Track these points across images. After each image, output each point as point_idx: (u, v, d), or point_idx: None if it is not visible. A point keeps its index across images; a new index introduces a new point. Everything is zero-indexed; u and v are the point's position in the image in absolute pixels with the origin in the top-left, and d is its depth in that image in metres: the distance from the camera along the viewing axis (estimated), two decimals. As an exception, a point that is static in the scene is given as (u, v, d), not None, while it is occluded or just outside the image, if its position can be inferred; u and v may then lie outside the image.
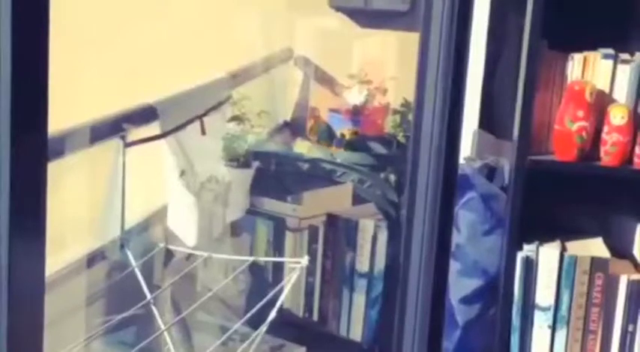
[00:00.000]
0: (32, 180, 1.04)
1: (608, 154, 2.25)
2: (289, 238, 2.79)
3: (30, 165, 1.04)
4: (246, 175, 2.87)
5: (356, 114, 3.14)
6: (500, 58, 2.56)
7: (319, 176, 2.96)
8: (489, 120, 2.61)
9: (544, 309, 2.30)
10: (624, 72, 2.26)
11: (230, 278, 2.73)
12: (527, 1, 2.22)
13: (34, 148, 1.04)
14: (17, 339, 1.03)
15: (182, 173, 2.65)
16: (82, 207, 2.71)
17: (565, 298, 2.29)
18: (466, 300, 2.42)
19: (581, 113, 2.23)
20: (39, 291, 1.07)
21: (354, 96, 3.13)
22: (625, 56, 2.29)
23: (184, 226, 2.66)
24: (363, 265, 2.68)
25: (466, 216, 2.42)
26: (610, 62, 2.27)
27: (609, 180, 2.33)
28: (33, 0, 1.00)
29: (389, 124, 3.15)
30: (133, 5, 3.14)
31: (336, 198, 2.87)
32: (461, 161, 2.35)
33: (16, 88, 0.98)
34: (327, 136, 3.10)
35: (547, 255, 2.30)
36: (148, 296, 2.44)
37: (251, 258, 2.73)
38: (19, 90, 0.99)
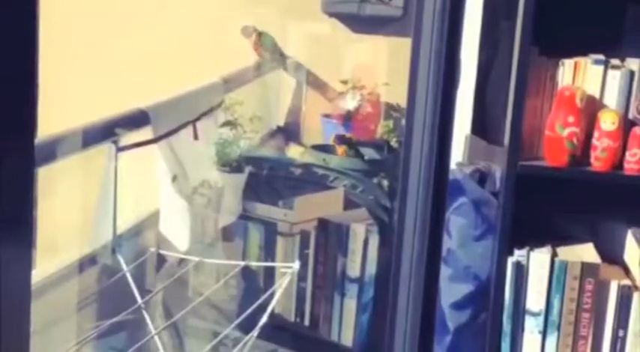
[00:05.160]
0: (19, 186, 1.04)
1: (599, 160, 2.26)
2: (281, 243, 2.79)
3: (17, 170, 1.04)
4: (239, 180, 2.87)
5: (349, 119, 3.14)
6: (493, 64, 2.57)
7: (311, 181, 2.96)
8: (482, 126, 2.62)
9: (535, 314, 2.31)
10: (614, 78, 2.27)
11: (221, 282, 2.73)
12: (518, 8, 2.22)
13: (21, 153, 1.04)
14: (2, 346, 1.03)
15: (174, 178, 2.65)
16: (74, 212, 2.72)
17: (556, 303, 2.30)
18: (457, 305, 2.42)
19: (571, 119, 2.24)
20: (25, 299, 1.06)
21: (348, 102, 3.13)
22: (615, 62, 2.29)
23: (176, 231, 2.66)
24: (354, 270, 2.69)
25: (457, 222, 2.42)
26: (600, 68, 2.27)
27: (600, 185, 2.34)
28: (20, 3, 0.99)
29: (382, 129, 3.16)
30: (126, 11, 3.15)
31: (328, 203, 2.87)
32: (452, 166, 2.35)
33: (1, 92, 0.98)
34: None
35: (538, 261, 2.31)
36: (139, 301, 2.44)
37: (242, 263, 2.74)
38: (5, 93, 0.99)
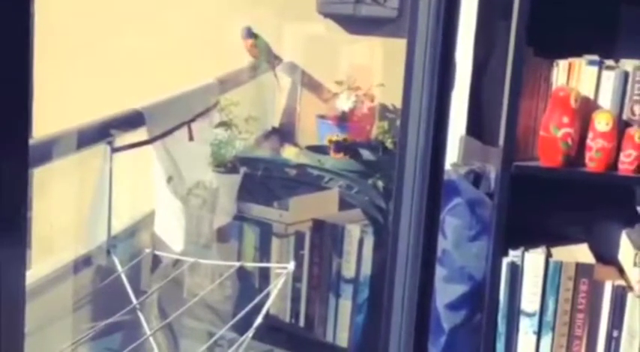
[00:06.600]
0: (12, 187, 1.04)
1: (593, 160, 2.26)
2: (276, 244, 2.80)
3: (10, 171, 1.03)
4: (234, 181, 2.87)
5: (344, 120, 3.14)
6: (488, 64, 2.57)
7: (306, 182, 2.97)
8: (477, 126, 2.62)
9: (529, 315, 2.31)
10: (609, 78, 2.27)
11: (216, 283, 2.73)
12: (512, 8, 2.23)
13: (15, 155, 1.04)
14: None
15: (169, 179, 2.66)
16: (69, 213, 2.72)
17: (550, 304, 2.30)
18: (452, 306, 2.42)
19: (566, 119, 2.24)
20: (19, 299, 1.06)
21: (343, 103, 3.13)
22: (610, 63, 2.29)
23: (171, 232, 2.66)
24: (349, 271, 2.69)
25: (452, 222, 2.42)
26: (595, 68, 2.27)
27: (594, 186, 2.34)
28: (14, 5, 0.99)
29: (377, 130, 3.16)
30: (122, 13, 3.15)
31: (323, 204, 2.88)
32: (447, 167, 2.36)
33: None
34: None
35: (532, 261, 2.31)
36: (134, 301, 2.44)
37: (237, 264, 2.74)
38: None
